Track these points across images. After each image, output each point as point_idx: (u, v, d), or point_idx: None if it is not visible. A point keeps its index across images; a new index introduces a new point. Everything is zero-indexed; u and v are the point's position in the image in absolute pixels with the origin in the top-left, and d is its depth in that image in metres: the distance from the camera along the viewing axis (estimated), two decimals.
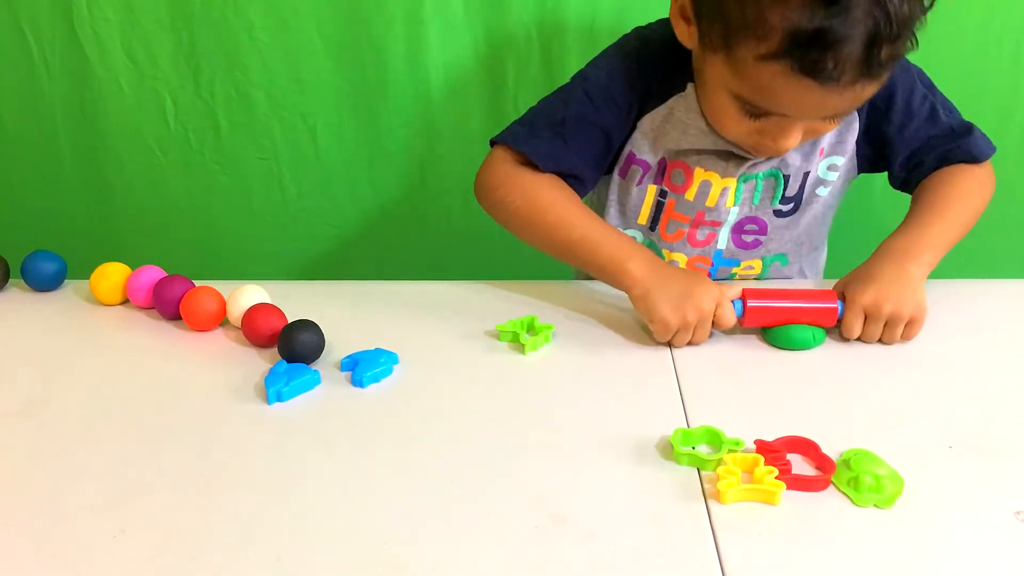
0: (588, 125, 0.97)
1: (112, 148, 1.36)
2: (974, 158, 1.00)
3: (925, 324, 0.88)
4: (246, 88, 1.30)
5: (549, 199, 0.95)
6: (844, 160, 1.01)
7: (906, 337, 0.87)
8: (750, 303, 0.85)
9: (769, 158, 0.98)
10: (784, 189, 1.01)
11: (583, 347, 0.87)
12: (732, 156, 0.98)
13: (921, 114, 0.99)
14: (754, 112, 0.87)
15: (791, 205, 1.03)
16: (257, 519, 0.63)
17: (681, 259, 1.07)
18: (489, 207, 1.00)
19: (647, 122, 0.99)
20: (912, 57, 1.25)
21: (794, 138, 0.89)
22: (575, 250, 0.94)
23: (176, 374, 0.83)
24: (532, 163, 0.96)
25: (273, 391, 0.76)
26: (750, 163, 0.98)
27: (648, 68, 0.97)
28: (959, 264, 1.38)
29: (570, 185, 0.97)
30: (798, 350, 0.86)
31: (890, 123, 0.99)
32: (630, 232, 1.07)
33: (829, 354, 0.85)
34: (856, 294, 0.86)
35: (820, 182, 1.02)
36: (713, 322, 0.85)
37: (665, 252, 1.07)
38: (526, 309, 0.93)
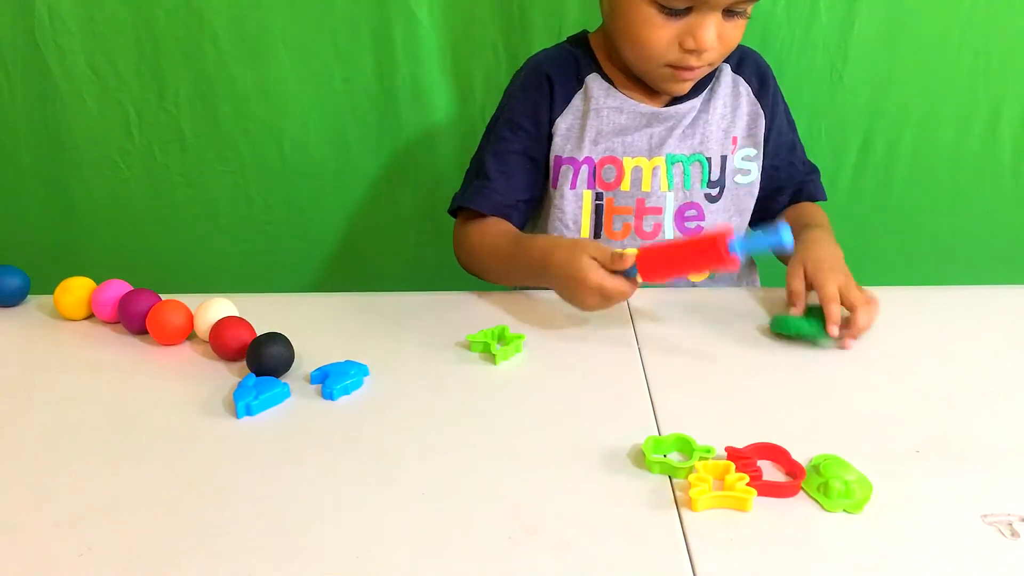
0: (507, 156, 1.08)
1: (75, 161, 1.34)
2: (817, 198, 1.16)
3: (892, 330, 0.90)
4: (211, 100, 1.30)
5: (481, 243, 1.06)
6: (757, 153, 1.12)
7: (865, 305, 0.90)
8: (641, 267, 0.87)
9: (687, 106, 1.08)
10: (709, 172, 1.09)
11: (554, 357, 0.87)
12: (654, 119, 1.07)
13: (787, 141, 1.16)
14: (673, 8, 0.97)
15: (717, 189, 1.11)
16: (227, 535, 0.62)
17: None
18: (466, 269, 1.10)
19: (561, 124, 1.08)
20: (873, 67, 1.28)
21: (711, 32, 0.98)
22: (511, 276, 1.03)
23: (143, 389, 0.82)
24: (476, 215, 1.07)
25: (242, 405, 0.76)
26: (672, 133, 1.07)
27: (545, 80, 1.08)
28: (922, 270, 1.40)
29: (507, 215, 1.08)
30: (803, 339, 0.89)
31: (769, 132, 1.13)
32: None
33: (798, 361, 0.86)
34: (814, 267, 0.94)
35: (739, 171, 1.12)
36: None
37: None
38: (497, 319, 0.93)
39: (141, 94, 1.29)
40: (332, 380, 0.80)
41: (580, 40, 1.12)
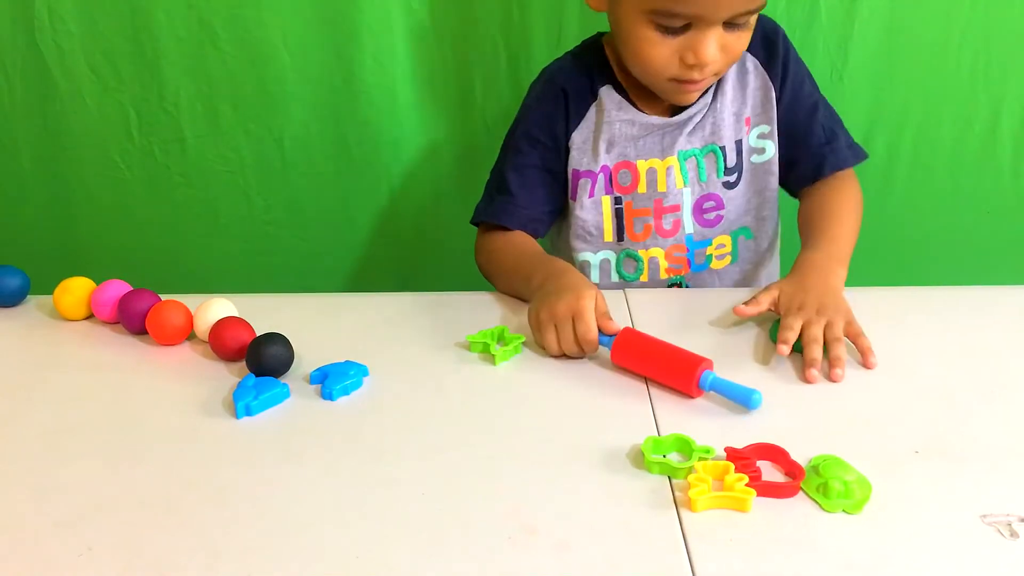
0: (526, 169, 1.09)
1: (75, 161, 1.34)
2: (843, 166, 1.11)
3: (892, 330, 0.90)
4: (211, 100, 1.29)
5: (499, 253, 1.06)
6: (771, 129, 1.09)
7: (851, 335, 0.87)
8: (618, 343, 0.84)
9: (698, 107, 1.07)
10: (724, 160, 1.09)
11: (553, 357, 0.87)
12: (665, 128, 1.07)
13: (808, 102, 1.10)
14: (670, 26, 0.95)
15: (735, 175, 1.10)
16: (226, 535, 0.62)
17: (659, 254, 1.11)
18: (485, 277, 1.09)
19: (577, 137, 1.09)
20: (873, 67, 1.28)
21: (711, 46, 0.95)
22: (520, 287, 1.00)
23: (143, 389, 0.82)
24: (500, 226, 1.08)
25: (242, 405, 0.76)
26: (683, 132, 1.07)
27: (561, 93, 1.08)
28: (922, 270, 1.40)
29: (534, 229, 1.09)
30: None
31: (780, 100, 1.09)
32: (601, 254, 1.12)
33: (797, 361, 0.86)
34: (788, 299, 0.91)
35: (754, 150, 1.10)
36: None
37: (641, 253, 1.11)
38: (496, 320, 0.93)
39: (141, 94, 1.29)
40: (332, 380, 0.80)
41: (593, 46, 1.11)
